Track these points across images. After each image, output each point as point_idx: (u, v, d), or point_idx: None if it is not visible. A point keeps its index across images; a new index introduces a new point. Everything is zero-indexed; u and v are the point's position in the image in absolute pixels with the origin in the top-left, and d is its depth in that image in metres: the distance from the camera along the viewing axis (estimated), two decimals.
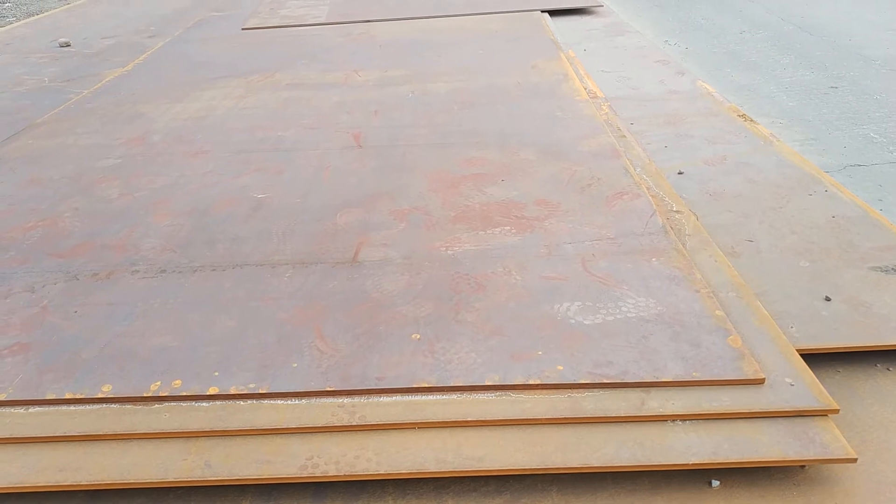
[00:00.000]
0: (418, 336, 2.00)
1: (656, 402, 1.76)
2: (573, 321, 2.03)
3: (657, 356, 1.88)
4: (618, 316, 2.05)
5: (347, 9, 6.44)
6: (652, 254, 2.36)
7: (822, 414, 1.73)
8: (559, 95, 3.93)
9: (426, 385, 1.82)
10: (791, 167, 3.11)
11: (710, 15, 8.13)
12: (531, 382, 1.80)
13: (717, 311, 2.04)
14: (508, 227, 2.57)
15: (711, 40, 7.21)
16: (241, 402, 1.81)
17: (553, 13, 5.98)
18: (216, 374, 1.89)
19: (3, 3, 11.29)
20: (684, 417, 1.73)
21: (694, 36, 7.39)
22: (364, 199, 2.86)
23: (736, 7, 8.33)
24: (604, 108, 3.78)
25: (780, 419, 1.72)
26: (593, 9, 6.14)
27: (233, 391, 1.82)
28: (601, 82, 4.29)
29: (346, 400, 1.81)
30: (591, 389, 1.79)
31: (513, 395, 1.78)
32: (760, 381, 1.79)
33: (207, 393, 1.82)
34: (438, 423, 1.73)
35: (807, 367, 1.86)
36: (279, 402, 1.81)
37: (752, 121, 3.64)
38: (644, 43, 5.16)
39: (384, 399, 1.80)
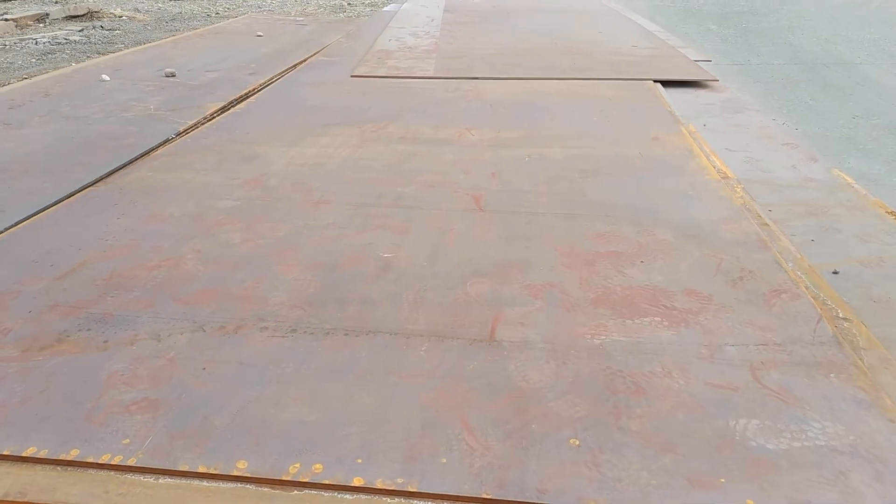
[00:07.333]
0: (577, 442, 1.80)
1: None
2: (754, 443, 1.79)
3: (863, 500, 1.62)
4: (805, 443, 1.80)
5: (454, 64, 6.44)
6: (829, 368, 2.10)
7: None
8: (688, 172, 3.74)
9: None
10: None
11: (818, 96, 7.85)
12: None
13: None
14: (659, 318, 2.36)
15: (822, 123, 6.92)
16: (388, 500, 1.63)
17: (665, 84, 5.82)
18: (359, 461, 1.72)
19: (114, 31, 11.87)
20: None
21: (802, 116, 7.12)
22: (493, 269, 2.70)
23: (845, 90, 8.02)
24: (738, 190, 3.56)
25: None
26: (708, 83, 5.96)
27: (379, 485, 1.65)
28: (727, 162, 4.08)
29: None
30: None
31: None
32: None
33: (352, 484, 1.65)
34: None
35: None
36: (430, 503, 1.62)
37: None
38: (768, 123, 4.93)
39: None
